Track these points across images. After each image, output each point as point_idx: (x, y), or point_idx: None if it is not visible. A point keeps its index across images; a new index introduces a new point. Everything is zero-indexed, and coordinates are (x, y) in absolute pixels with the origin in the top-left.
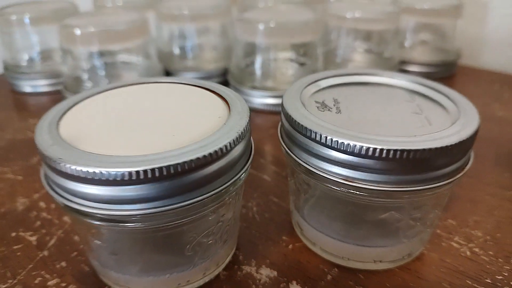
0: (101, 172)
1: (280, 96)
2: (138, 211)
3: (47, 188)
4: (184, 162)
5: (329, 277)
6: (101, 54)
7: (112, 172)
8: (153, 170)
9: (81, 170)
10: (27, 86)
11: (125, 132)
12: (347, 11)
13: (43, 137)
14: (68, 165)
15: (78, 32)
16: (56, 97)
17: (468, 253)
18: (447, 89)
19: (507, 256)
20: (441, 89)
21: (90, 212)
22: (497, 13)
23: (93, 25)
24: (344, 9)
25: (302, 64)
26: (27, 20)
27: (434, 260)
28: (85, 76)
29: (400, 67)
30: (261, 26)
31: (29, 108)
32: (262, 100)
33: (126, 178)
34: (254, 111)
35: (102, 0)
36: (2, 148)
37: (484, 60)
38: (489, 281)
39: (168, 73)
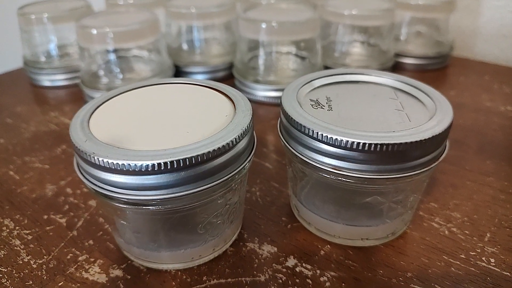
0: (128, 164)
1: (281, 89)
2: (158, 196)
3: (80, 176)
4: (197, 155)
5: (322, 252)
6: (116, 51)
7: (138, 164)
8: (171, 162)
9: (112, 162)
10: (46, 81)
11: (146, 129)
12: (344, 8)
13: (77, 134)
14: (100, 158)
15: (94, 32)
16: (73, 90)
17: (446, 232)
18: (427, 87)
19: (481, 235)
20: (423, 87)
21: (117, 197)
22: (490, 5)
23: (108, 25)
24: (342, 7)
25: (302, 58)
26: (45, 19)
27: (415, 238)
28: (101, 71)
29: (396, 59)
30: (263, 25)
31: (49, 102)
32: (265, 93)
33: (149, 169)
34: (257, 103)
35: None
36: (28, 140)
37: (478, 51)
38: (463, 256)
39: (177, 67)
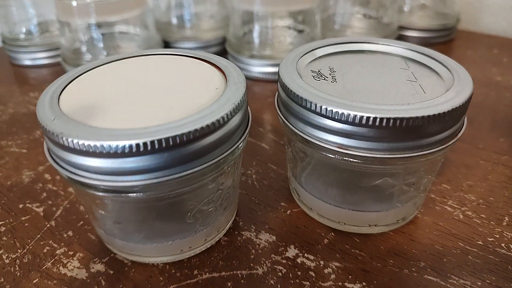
0: (102, 146)
1: (278, 65)
2: (139, 181)
3: (51, 161)
4: (183, 134)
5: (325, 241)
6: (99, 25)
7: (113, 145)
8: (152, 142)
9: (83, 143)
10: (26, 60)
11: (125, 105)
12: None
13: (44, 112)
14: (70, 139)
15: (74, 3)
16: (56, 69)
17: (461, 216)
18: (442, 56)
19: (499, 219)
20: (436, 56)
21: (93, 184)
22: None
23: None
24: None
25: (300, 32)
26: None
27: (427, 224)
28: (83, 48)
29: (399, 32)
30: None
31: (29, 82)
32: (261, 68)
33: (127, 150)
34: (252, 80)
35: None
36: (5, 122)
37: (484, 24)
38: (480, 243)
39: (166, 43)
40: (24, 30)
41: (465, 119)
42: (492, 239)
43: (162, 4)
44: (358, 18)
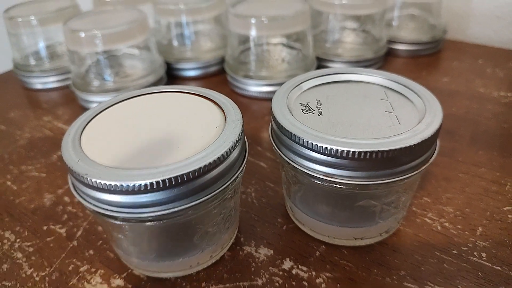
0: (122, 185)
1: (274, 84)
2: (153, 213)
3: (76, 195)
4: (189, 172)
5: (317, 253)
6: (105, 52)
7: (130, 184)
8: (164, 180)
9: (105, 183)
10: (37, 84)
11: (137, 145)
12: None
13: (69, 154)
14: (93, 179)
15: (82, 35)
16: (65, 92)
17: (439, 227)
18: (418, 86)
19: (473, 229)
20: (413, 86)
21: (113, 215)
22: None
23: (97, 28)
24: None
25: (294, 50)
26: (33, 22)
27: (408, 235)
28: (91, 74)
29: (389, 46)
30: (253, 20)
31: (42, 105)
32: (257, 88)
33: (142, 188)
34: (250, 98)
35: None
36: (23, 147)
37: (471, 33)
38: (455, 252)
39: (168, 64)
40: (34, 56)
41: (437, 143)
42: (466, 248)
43: (163, 27)
44: (348, 34)
